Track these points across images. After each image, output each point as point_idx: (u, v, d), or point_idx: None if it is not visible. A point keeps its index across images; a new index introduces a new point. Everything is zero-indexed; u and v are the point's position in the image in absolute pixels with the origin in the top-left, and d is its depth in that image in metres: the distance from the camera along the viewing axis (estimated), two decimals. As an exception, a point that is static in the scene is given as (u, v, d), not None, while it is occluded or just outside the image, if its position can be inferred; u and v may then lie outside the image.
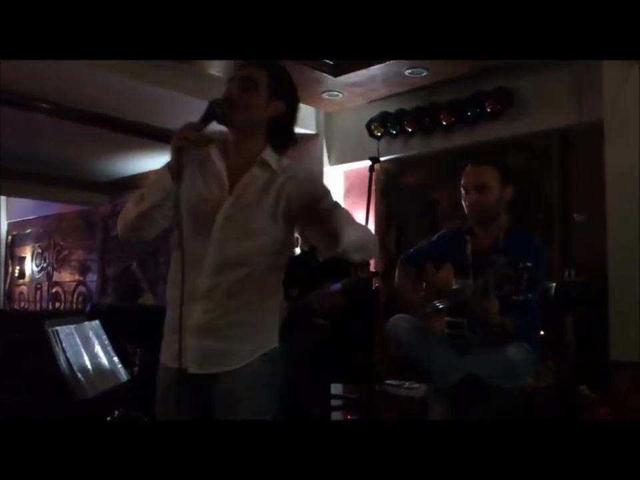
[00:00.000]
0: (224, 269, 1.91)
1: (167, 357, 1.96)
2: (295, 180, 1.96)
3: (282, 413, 3.21)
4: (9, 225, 9.67)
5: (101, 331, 3.66)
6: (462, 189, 2.87)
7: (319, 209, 1.88)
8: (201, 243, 1.91)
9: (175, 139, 1.82)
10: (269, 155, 1.98)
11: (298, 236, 4.16)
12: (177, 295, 1.86)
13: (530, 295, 2.29)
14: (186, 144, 1.82)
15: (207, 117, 1.87)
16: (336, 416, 4.12)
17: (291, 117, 2.03)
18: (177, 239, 1.93)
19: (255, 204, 1.93)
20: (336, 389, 4.15)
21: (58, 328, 3.28)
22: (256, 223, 1.93)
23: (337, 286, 3.38)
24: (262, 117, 1.97)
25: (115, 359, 3.58)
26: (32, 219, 9.15)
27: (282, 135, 2.03)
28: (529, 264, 2.28)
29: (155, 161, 6.23)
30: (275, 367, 2.03)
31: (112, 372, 3.50)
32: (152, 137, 5.33)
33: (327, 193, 1.97)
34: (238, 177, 1.96)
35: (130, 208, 1.93)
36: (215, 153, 1.99)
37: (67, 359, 3.19)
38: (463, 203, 2.88)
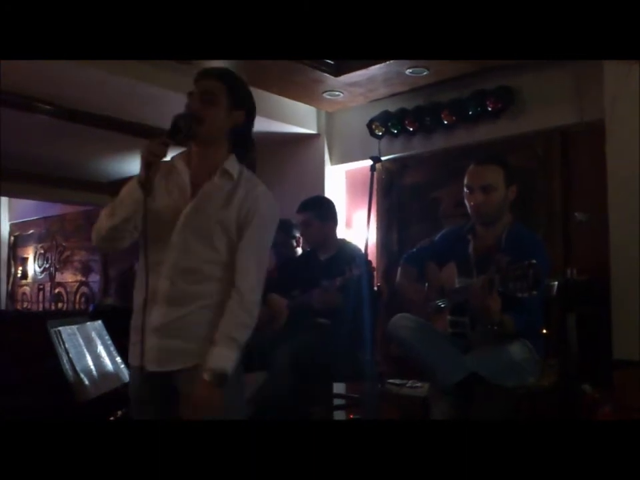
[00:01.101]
0: (182, 273, 2.01)
1: (131, 357, 2.09)
2: (254, 199, 2.04)
3: (284, 413, 3.22)
4: (12, 225, 9.68)
5: (104, 332, 3.66)
6: (465, 188, 2.86)
7: (243, 239, 2.02)
8: (161, 249, 2.00)
9: (144, 154, 1.90)
10: (230, 164, 2.07)
11: (299, 236, 4.17)
12: (140, 299, 2.00)
13: (535, 292, 2.29)
14: (155, 159, 1.90)
15: (173, 132, 1.95)
16: (338, 415, 4.12)
17: (250, 124, 2.13)
18: (141, 246, 2.01)
19: (214, 212, 2.02)
20: (338, 388, 4.15)
21: (60, 328, 3.29)
22: (213, 230, 2.01)
23: (332, 284, 3.39)
24: (224, 128, 2.06)
25: (118, 359, 3.58)
26: (34, 219, 9.16)
27: (243, 143, 2.13)
28: (534, 261, 2.28)
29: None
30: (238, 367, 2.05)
31: (114, 372, 3.50)
32: (152, 137, 5.32)
33: (264, 229, 2.07)
34: (200, 186, 2.05)
35: (102, 220, 2.00)
36: (179, 164, 2.08)
37: (70, 360, 3.19)
38: (467, 202, 2.88)
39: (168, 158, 2.01)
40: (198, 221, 2.01)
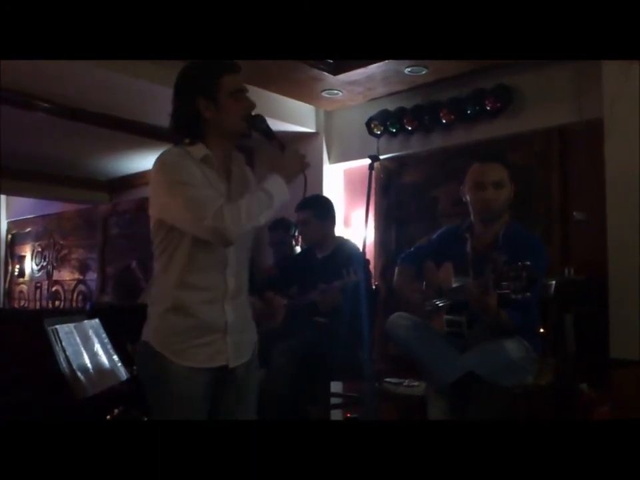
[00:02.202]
0: (242, 268, 2.06)
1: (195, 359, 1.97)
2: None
3: (282, 411, 3.22)
4: (9, 223, 9.66)
5: (101, 330, 3.65)
6: (473, 185, 2.83)
7: None
8: (217, 246, 1.95)
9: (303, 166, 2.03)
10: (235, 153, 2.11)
11: (298, 234, 4.17)
12: (204, 297, 1.96)
13: (529, 294, 2.29)
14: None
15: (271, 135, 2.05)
16: (336, 414, 4.12)
17: None
18: (195, 246, 1.94)
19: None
20: (336, 386, 4.15)
21: (57, 326, 3.28)
22: None
23: (333, 285, 3.40)
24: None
25: (115, 357, 3.57)
26: (32, 217, 9.14)
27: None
28: (528, 262, 2.28)
29: (154, 159, 6.22)
30: None
31: (112, 371, 3.49)
32: (152, 135, 5.32)
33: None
34: (229, 177, 2.05)
35: (253, 215, 1.90)
36: (204, 168, 1.98)
37: (67, 358, 3.19)
38: (473, 199, 2.84)
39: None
40: None
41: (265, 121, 2.03)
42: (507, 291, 2.34)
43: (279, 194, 1.93)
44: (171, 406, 1.94)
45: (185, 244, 1.94)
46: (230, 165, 2.07)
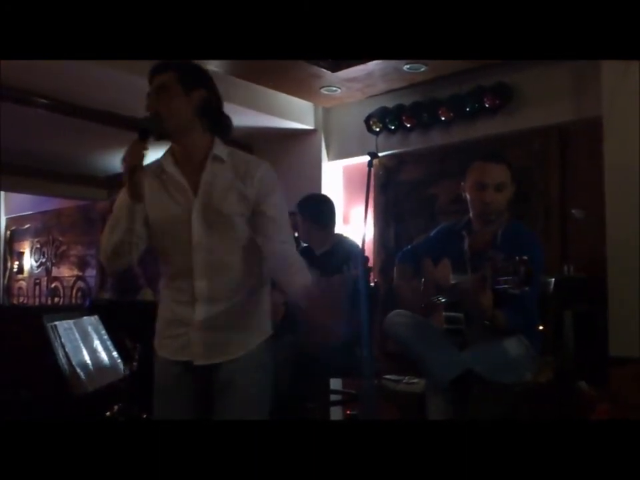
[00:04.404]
0: (215, 270, 2.03)
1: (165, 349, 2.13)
2: (255, 170, 2.06)
3: (280, 409, 3.22)
4: (8, 220, 9.66)
5: (100, 326, 3.66)
6: (475, 185, 2.80)
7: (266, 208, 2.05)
8: (185, 252, 2.01)
9: (125, 161, 1.91)
10: (219, 149, 2.07)
11: (296, 234, 4.17)
12: (177, 297, 2.07)
13: (527, 288, 2.29)
14: (135, 164, 1.91)
15: (143, 135, 1.94)
16: (335, 411, 4.13)
17: (216, 99, 2.10)
18: (159, 255, 2.10)
19: (223, 200, 2.01)
20: (335, 384, 4.15)
21: (57, 323, 3.28)
22: (227, 219, 2.02)
23: (333, 279, 3.39)
24: (188, 114, 2.03)
25: (114, 354, 3.58)
26: (31, 214, 9.13)
27: (216, 119, 2.10)
28: (525, 257, 2.28)
29: (153, 157, 6.22)
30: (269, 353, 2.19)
31: (111, 367, 3.50)
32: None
33: (275, 193, 2.10)
34: (197, 179, 2.04)
35: (105, 239, 2.03)
36: (167, 165, 2.07)
37: (66, 354, 3.19)
38: (473, 198, 2.82)
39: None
40: (211, 215, 2.01)
41: (151, 121, 2.00)
42: (505, 286, 2.33)
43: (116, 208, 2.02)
44: (155, 393, 2.12)
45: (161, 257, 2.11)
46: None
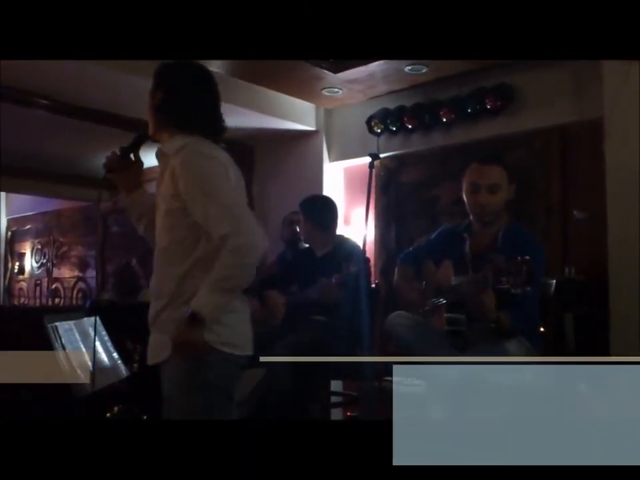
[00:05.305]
0: (160, 267, 2.13)
1: None
2: (182, 158, 2.07)
3: (283, 409, 3.22)
4: (9, 221, 9.66)
5: (101, 327, 3.65)
6: (470, 186, 2.82)
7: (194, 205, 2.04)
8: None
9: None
10: (166, 145, 2.18)
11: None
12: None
13: (528, 288, 2.29)
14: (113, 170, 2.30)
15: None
16: (336, 412, 4.12)
17: (172, 96, 2.17)
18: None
19: (161, 195, 2.13)
20: (336, 385, 4.15)
21: (57, 324, 3.28)
22: (165, 217, 2.11)
23: (331, 280, 3.40)
24: (152, 113, 2.22)
25: (115, 355, 3.57)
26: (31, 214, 9.13)
27: (171, 115, 2.17)
28: (527, 257, 2.28)
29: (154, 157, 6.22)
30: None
31: (111, 368, 3.49)
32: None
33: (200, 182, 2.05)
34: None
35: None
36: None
37: (67, 355, 3.19)
38: (469, 200, 2.84)
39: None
40: (160, 214, 2.14)
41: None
42: (507, 286, 2.33)
43: None
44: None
45: None
46: None
